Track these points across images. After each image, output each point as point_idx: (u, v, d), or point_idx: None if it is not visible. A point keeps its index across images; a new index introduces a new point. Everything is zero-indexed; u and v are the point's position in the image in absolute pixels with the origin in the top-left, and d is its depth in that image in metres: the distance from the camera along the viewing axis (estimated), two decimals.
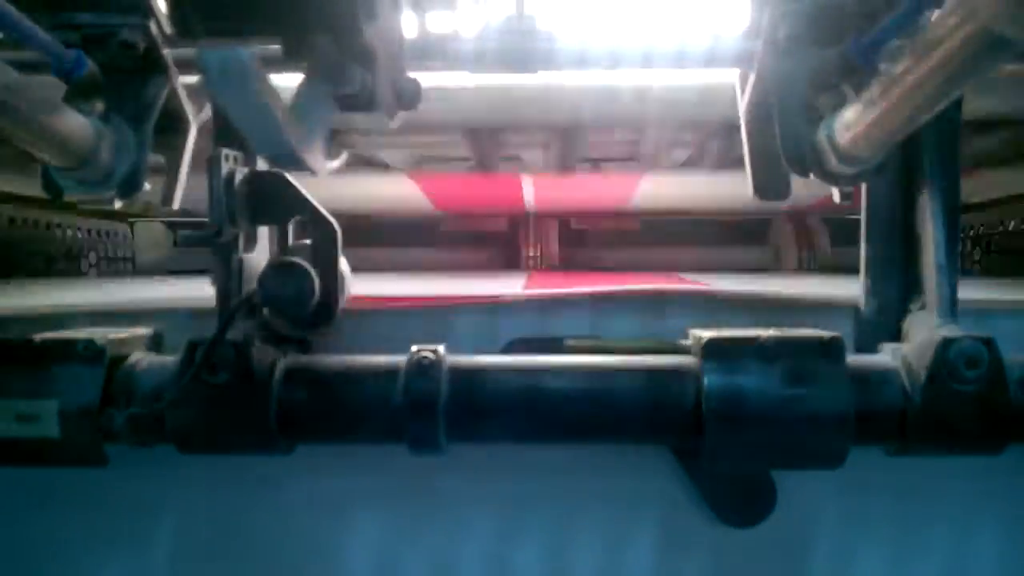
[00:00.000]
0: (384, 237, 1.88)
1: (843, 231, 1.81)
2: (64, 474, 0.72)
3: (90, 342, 0.65)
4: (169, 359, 0.68)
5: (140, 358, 0.68)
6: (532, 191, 1.56)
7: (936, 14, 0.56)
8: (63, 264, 1.34)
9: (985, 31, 0.43)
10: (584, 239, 2.00)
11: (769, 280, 1.50)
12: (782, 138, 0.65)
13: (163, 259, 1.78)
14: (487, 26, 0.70)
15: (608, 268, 1.92)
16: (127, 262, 1.57)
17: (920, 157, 0.70)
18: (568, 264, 1.88)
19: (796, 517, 0.75)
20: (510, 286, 0.87)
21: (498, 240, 1.94)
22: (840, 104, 0.62)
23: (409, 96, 0.61)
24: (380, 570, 0.77)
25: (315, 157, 0.51)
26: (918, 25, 0.60)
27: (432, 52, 0.66)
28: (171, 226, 1.83)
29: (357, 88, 0.54)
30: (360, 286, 0.76)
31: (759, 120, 0.69)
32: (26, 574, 0.77)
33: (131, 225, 1.65)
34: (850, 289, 0.76)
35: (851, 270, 1.78)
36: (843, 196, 0.73)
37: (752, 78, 0.70)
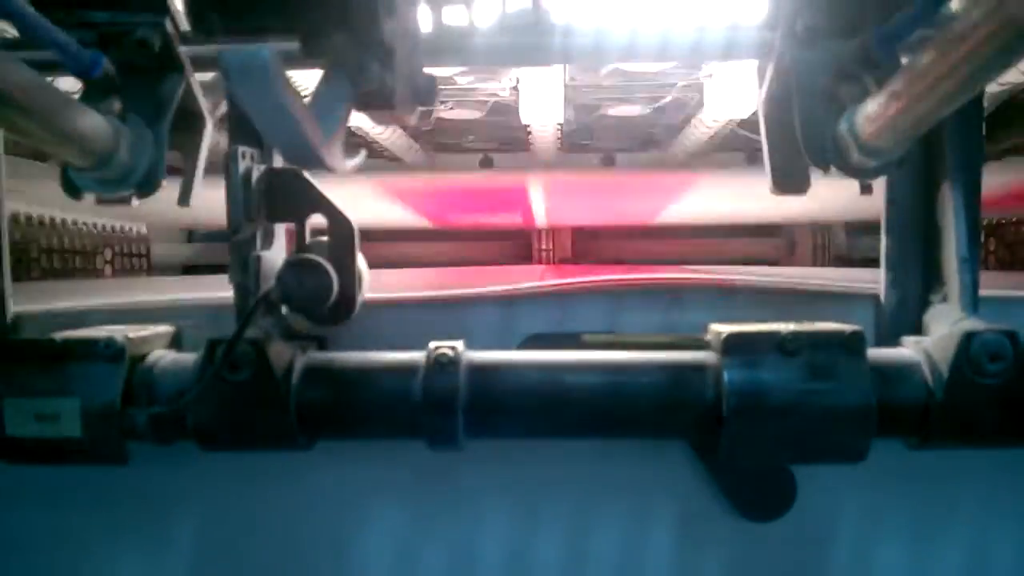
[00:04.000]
0: (391, 233, 1.88)
1: (857, 223, 1.80)
2: (85, 472, 0.73)
3: (111, 341, 0.65)
4: (189, 357, 0.68)
5: (160, 356, 0.69)
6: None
7: (960, 4, 0.56)
8: (79, 261, 1.34)
9: (1012, 22, 0.42)
10: (597, 232, 2.00)
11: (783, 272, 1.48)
12: (802, 131, 0.65)
13: (178, 254, 1.79)
14: (502, 20, 0.69)
15: (620, 260, 1.92)
16: (142, 259, 1.57)
17: (941, 149, 0.69)
18: (580, 257, 1.88)
19: (816, 511, 0.75)
20: (525, 278, 0.87)
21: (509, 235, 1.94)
22: (862, 96, 0.61)
23: (426, 93, 0.61)
24: (400, 563, 0.78)
25: (334, 155, 0.51)
26: (941, 15, 0.59)
27: (448, 47, 0.66)
28: None
29: (375, 85, 0.53)
30: (376, 280, 0.75)
31: (778, 112, 0.69)
32: (49, 571, 0.78)
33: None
34: (868, 279, 0.75)
35: (866, 261, 1.77)
36: (863, 189, 0.73)
37: (771, 70, 0.69)
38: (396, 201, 1.38)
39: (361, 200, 1.26)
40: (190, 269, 1.79)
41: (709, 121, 1.63)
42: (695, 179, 1.50)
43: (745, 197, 1.45)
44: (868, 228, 1.79)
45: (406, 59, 0.56)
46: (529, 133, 1.70)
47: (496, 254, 1.90)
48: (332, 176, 0.59)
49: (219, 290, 0.73)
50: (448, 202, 1.55)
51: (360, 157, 0.61)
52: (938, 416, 0.63)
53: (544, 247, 1.87)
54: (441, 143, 1.88)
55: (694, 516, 0.76)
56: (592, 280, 0.80)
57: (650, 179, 1.51)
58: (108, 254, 1.44)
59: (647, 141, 1.88)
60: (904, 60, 0.60)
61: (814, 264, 1.76)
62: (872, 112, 0.59)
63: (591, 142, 1.88)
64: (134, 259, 1.54)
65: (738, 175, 1.51)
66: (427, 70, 0.64)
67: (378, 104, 0.55)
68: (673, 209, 1.48)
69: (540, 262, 1.86)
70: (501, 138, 1.84)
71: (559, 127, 1.65)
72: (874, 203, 0.73)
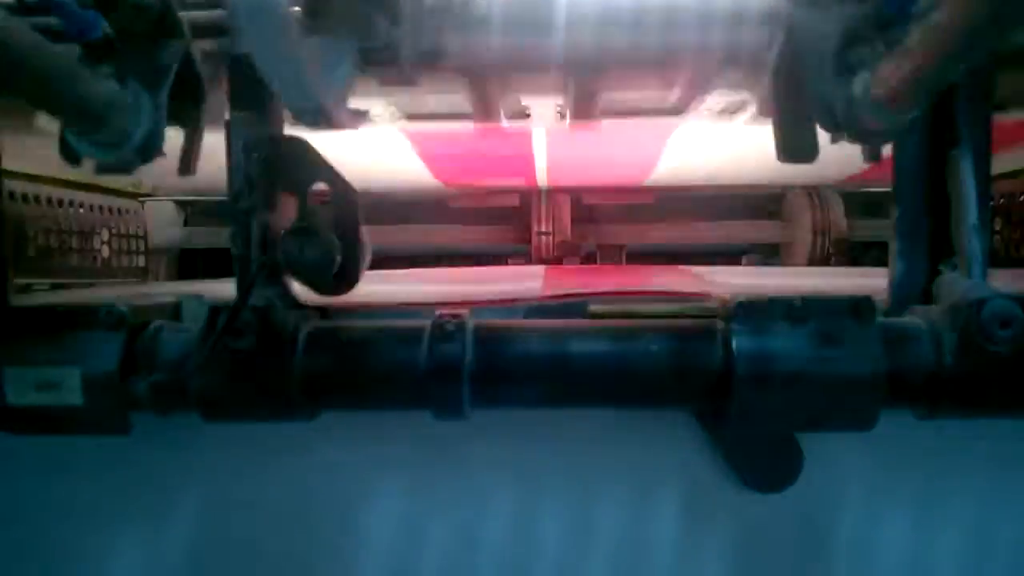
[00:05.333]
0: (387, 214, 1.86)
1: (858, 204, 1.79)
2: (86, 442, 0.72)
3: (112, 307, 0.65)
4: (190, 326, 0.67)
5: (161, 325, 0.68)
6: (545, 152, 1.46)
7: None
8: (75, 240, 1.33)
9: None
10: (595, 214, 1.99)
11: (786, 274, 1.46)
12: (812, 96, 0.64)
13: (176, 236, 1.77)
14: None
15: (620, 244, 1.91)
16: (140, 240, 1.56)
17: (952, 115, 0.68)
18: (579, 239, 1.86)
19: (822, 482, 0.75)
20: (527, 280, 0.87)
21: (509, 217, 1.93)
22: (873, 58, 0.60)
23: (432, 53, 0.60)
24: (406, 536, 0.77)
25: (341, 112, 0.50)
26: None
27: (453, 9, 0.65)
28: (182, 205, 1.83)
29: (381, 42, 0.53)
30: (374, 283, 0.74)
31: (788, 78, 0.68)
32: (50, 541, 0.77)
33: (142, 204, 1.64)
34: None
35: (867, 244, 1.75)
36: (870, 156, 0.72)
37: (780, 35, 0.68)
38: (406, 142, 1.37)
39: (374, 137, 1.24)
40: (188, 251, 1.78)
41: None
42: (686, 120, 1.51)
43: (731, 137, 1.46)
44: (868, 211, 1.79)
45: (412, 16, 0.55)
46: (528, 116, 1.69)
47: (497, 238, 1.89)
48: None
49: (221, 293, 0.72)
50: (455, 152, 1.55)
51: (366, 116, 0.60)
52: (947, 385, 0.62)
53: (543, 230, 1.86)
54: None
55: (699, 487, 0.76)
56: (598, 292, 0.79)
57: (644, 121, 1.53)
58: (105, 234, 1.43)
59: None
60: (916, 20, 0.59)
61: (814, 246, 1.75)
62: (883, 73, 0.58)
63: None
64: (132, 240, 1.52)
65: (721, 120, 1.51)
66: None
67: (383, 61, 0.54)
68: (669, 153, 1.48)
69: (539, 247, 1.85)
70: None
71: (558, 107, 1.64)
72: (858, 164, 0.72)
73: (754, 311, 0.63)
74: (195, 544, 0.78)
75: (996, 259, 1.38)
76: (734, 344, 0.62)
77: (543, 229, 1.87)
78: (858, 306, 0.63)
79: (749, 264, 2.01)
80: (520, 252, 1.95)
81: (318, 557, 0.78)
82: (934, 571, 0.76)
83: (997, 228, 1.38)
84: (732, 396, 0.62)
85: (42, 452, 0.76)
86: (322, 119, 0.48)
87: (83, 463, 0.76)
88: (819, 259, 1.78)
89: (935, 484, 0.76)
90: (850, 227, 1.75)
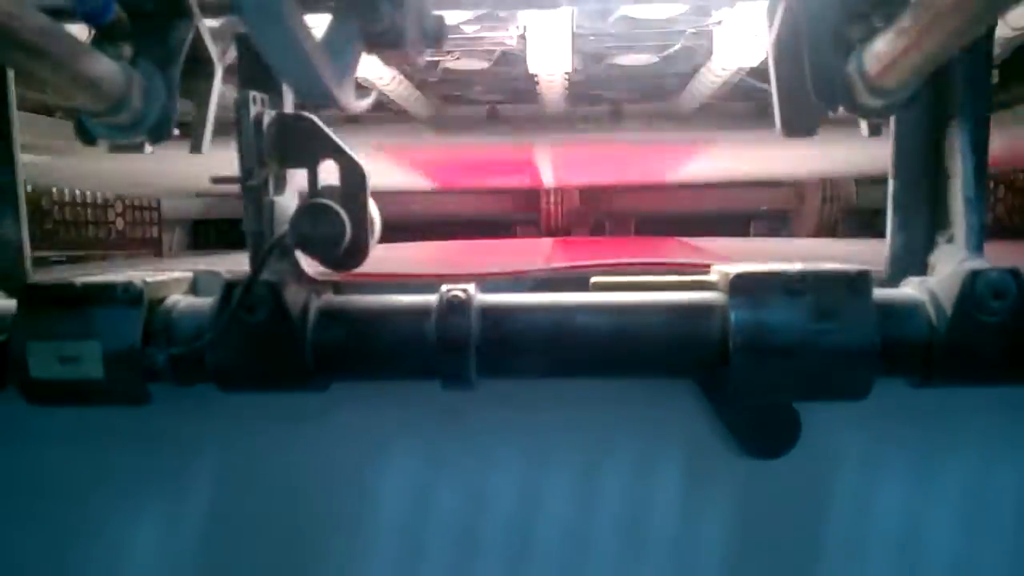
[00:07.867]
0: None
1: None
2: (107, 412, 0.75)
3: (129, 284, 0.67)
4: (205, 300, 0.70)
5: (178, 300, 0.70)
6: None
7: None
8: (91, 213, 1.36)
9: None
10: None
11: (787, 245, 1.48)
12: (811, 71, 0.64)
13: (189, 208, 1.80)
14: None
15: (627, 214, 1.92)
16: (153, 211, 1.59)
17: (950, 89, 0.69)
18: (588, 206, 1.87)
19: (819, 448, 0.77)
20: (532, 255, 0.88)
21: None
22: (871, 34, 0.61)
23: (434, 33, 0.61)
24: (414, 501, 0.80)
25: (346, 94, 0.52)
26: None
27: None
28: None
29: (385, 25, 0.54)
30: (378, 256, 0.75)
31: (787, 53, 0.68)
32: (72, 509, 0.81)
33: None
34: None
35: (875, 212, 1.75)
36: (871, 130, 0.73)
37: (780, 10, 0.68)
38: (403, 165, 1.39)
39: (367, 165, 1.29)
40: (200, 223, 1.81)
41: (718, 70, 1.61)
42: (705, 141, 1.50)
43: (755, 158, 1.46)
44: (877, 178, 1.78)
45: (416, 1, 0.56)
46: (536, 83, 1.68)
47: (506, 206, 1.90)
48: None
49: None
50: (454, 166, 1.56)
51: (371, 97, 0.61)
52: (941, 354, 0.64)
53: (552, 201, 1.87)
54: (447, 95, 1.86)
55: (700, 454, 0.78)
56: (600, 263, 0.80)
57: (659, 143, 1.51)
58: (119, 207, 1.46)
59: (656, 92, 1.86)
60: None
61: (821, 215, 1.76)
62: (880, 50, 0.59)
63: (599, 93, 1.86)
64: (145, 212, 1.55)
65: (748, 134, 1.52)
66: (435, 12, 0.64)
67: (388, 44, 0.55)
68: (681, 171, 1.49)
69: (548, 214, 1.86)
70: (508, 90, 1.83)
71: (567, 76, 1.63)
72: (884, 156, 0.73)
73: (752, 284, 0.64)
74: (213, 509, 0.81)
75: (1001, 227, 1.39)
76: (732, 316, 0.64)
77: (552, 199, 1.88)
78: (854, 279, 0.64)
79: (758, 231, 2.01)
80: (530, 221, 1.95)
81: (331, 521, 0.81)
82: (927, 532, 0.78)
83: (1000, 195, 1.38)
84: (730, 367, 0.64)
85: (66, 421, 0.79)
86: (327, 99, 0.49)
87: (106, 432, 0.79)
88: (828, 225, 1.79)
89: (929, 449, 0.78)
90: (859, 195, 1.76)
